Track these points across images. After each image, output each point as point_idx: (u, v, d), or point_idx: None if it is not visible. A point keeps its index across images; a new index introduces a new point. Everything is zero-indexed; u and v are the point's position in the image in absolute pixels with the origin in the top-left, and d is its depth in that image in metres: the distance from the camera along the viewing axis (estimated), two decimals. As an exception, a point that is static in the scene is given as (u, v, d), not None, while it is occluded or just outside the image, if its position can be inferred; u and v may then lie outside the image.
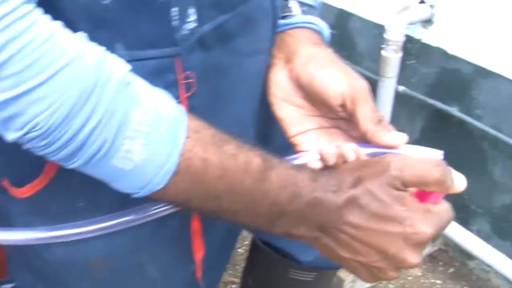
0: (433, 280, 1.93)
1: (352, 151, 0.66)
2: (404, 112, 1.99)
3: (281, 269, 1.17)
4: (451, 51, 1.76)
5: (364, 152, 0.67)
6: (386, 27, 1.73)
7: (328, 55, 0.75)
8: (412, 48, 1.87)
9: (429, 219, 0.60)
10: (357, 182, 0.60)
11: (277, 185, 0.60)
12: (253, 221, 0.63)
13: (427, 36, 1.81)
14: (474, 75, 1.71)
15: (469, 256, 1.91)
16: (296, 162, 0.69)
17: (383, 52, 1.76)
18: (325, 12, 2.15)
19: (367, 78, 1.97)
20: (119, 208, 0.68)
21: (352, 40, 2.12)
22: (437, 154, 0.69)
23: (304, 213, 0.60)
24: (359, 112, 0.68)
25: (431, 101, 1.84)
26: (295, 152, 0.73)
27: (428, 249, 2.00)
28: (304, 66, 0.73)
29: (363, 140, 0.69)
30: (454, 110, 1.79)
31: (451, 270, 1.98)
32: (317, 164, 0.68)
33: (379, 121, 0.68)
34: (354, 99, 0.69)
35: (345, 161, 0.67)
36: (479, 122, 1.72)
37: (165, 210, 0.68)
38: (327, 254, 0.64)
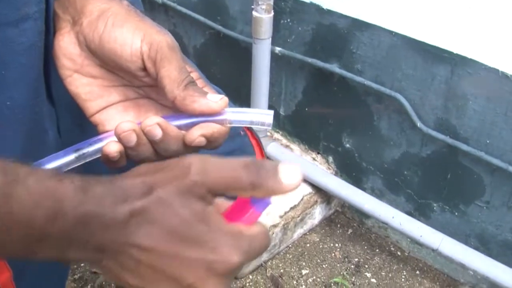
0: (332, 244, 1.90)
1: (157, 125, 0.56)
2: (284, 74, 1.94)
3: None
4: (325, 5, 1.70)
5: (174, 123, 0.58)
6: (255, -14, 1.66)
7: (122, 9, 0.62)
8: (285, 6, 1.81)
9: (238, 244, 0.49)
10: (147, 191, 0.48)
11: (28, 203, 0.46)
12: (7, 251, 0.50)
13: (300, -7, 1.75)
14: (352, 28, 1.67)
15: (365, 215, 1.89)
16: (91, 147, 0.58)
17: (254, 13, 1.68)
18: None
19: (243, 42, 1.92)
20: None
21: (224, 4, 2.03)
22: (267, 116, 0.60)
23: (73, 233, 0.47)
24: (163, 74, 0.58)
25: (310, 60, 1.79)
26: (98, 133, 0.62)
27: (324, 213, 1.96)
28: (92, 26, 0.60)
29: (176, 109, 0.59)
30: (334, 67, 1.74)
31: (350, 231, 1.96)
32: (115, 147, 0.57)
33: (191, 83, 0.58)
34: (156, 59, 0.58)
35: (152, 140, 0.57)
36: (361, 77, 1.69)
37: None
38: (113, 279, 0.51)
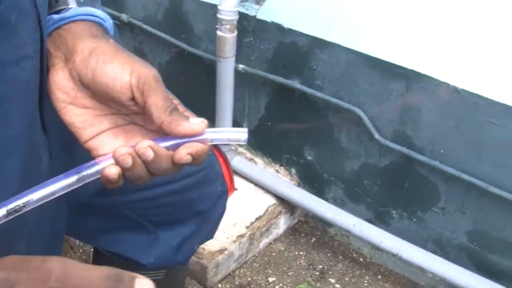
0: (296, 252, 1.94)
1: (149, 147, 0.62)
2: (247, 90, 1.98)
3: None
4: (286, 25, 1.75)
5: (163, 145, 0.64)
6: (218, 7, 1.69)
7: (110, 47, 0.68)
8: (248, 26, 1.85)
9: None
10: None
11: None
12: None
13: (261, 12, 1.80)
14: (312, 46, 1.72)
15: (328, 224, 1.94)
16: (90, 170, 0.64)
17: (218, 33, 1.72)
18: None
19: (208, 60, 1.96)
20: None
21: (188, 23, 2.07)
22: (242, 134, 0.66)
23: None
24: (150, 104, 0.64)
25: (272, 76, 1.84)
26: (92, 158, 0.67)
27: (288, 223, 2.01)
28: (85, 63, 0.66)
29: (162, 133, 0.65)
30: (296, 83, 1.80)
31: (313, 239, 2.00)
32: (115, 170, 0.63)
33: (174, 109, 0.64)
34: (143, 90, 0.64)
35: (145, 161, 0.63)
36: (321, 93, 1.74)
37: None
38: None
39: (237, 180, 1.99)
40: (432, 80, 1.51)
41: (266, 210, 1.90)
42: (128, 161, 0.62)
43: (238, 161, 1.99)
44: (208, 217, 1.08)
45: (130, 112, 0.69)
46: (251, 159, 2.07)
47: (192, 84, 2.20)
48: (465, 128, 1.51)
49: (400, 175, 1.70)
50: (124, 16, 2.28)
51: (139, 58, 0.68)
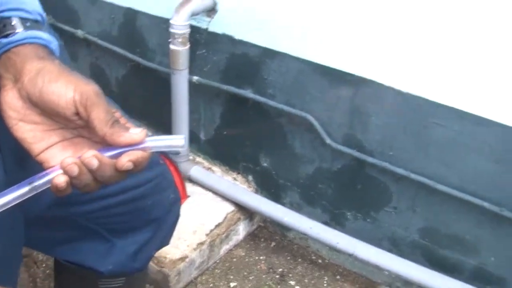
0: (257, 257, 1.97)
1: (94, 157, 0.68)
2: (202, 101, 2.01)
3: (89, 282, 1.15)
4: (237, 36, 1.79)
5: (107, 154, 0.69)
6: (170, 21, 1.72)
7: (55, 67, 0.73)
8: (200, 38, 1.88)
9: None
10: None
11: None
12: None
13: (213, 25, 1.83)
14: (262, 56, 1.76)
15: (286, 228, 1.97)
16: (42, 180, 0.69)
17: (171, 46, 1.75)
18: (113, 12, 2.11)
19: (162, 73, 1.97)
20: None
21: (142, 37, 2.09)
22: (179, 140, 0.72)
23: None
24: (93, 117, 0.69)
25: (225, 87, 1.87)
26: (44, 169, 0.72)
27: (248, 228, 2.03)
28: (32, 83, 0.71)
29: (106, 143, 0.70)
30: (248, 93, 1.83)
31: (273, 244, 2.04)
32: (63, 178, 0.68)
33: (115, 121, 0.70)
34: (86, 105, 0.69)
35: (91, 169, 0.68)
36: (273, 101, 1.78)
37: None
38: None
39: (196, 189, 2.01)
40: (378, 85, 1.56)
41: (225, 217, 1.93)
42: (75, 170, 0.67)
43: (196, 171, 2.01)
44: (162, 224, 1.11)
45: (77, 125, 0.73)
46: (209, 168, 2.10)
47: (149, 97, 2.22)
48: (412, 130, 1.56)
49: (352, 178, 1.75)
50: (80, 32, 2.29)
51: (82, 76, 0.73)
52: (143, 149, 0.70)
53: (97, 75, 2.38)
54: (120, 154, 0.69)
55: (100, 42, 2.23)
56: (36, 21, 0.79)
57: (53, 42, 0.79)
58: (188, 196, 1.42)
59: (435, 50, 1.43)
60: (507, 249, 1.54)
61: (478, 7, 1.33)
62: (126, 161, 0.69)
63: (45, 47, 0.77)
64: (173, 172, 1.11)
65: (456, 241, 1.62)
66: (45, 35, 0.77)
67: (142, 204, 1.04)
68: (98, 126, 0.69)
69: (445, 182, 1.56)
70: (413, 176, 1.59)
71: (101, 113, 0.69)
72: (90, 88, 0.70)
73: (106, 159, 0.69)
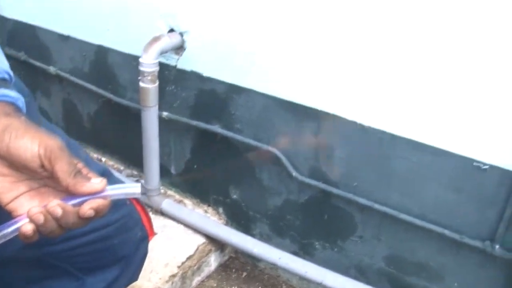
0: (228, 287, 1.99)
1: (58, 206, 0.73)
2: (173, 135, 2.04)
3: None
4: (205, 73, 1.83)
5: (70, 203, 0.74)
6: (140, 60, 1.75)
7: (21, 123, 0.78)
8: (169, 75, 1.92)
9: None
10: None
11: None
12: None
13: (181, 62, 1.87)
14: (229, 92, 1.80)
15: (257, 258, 1.99)
16: (10, 228, 0.73)
17: (141, 84, 1.78)
18: (84, 49, 2.13)
19: (133, 109, 1.99)
20: None
21: (113, 74, 2.12)
22: (136, 188, 0.78)
23: None
24: (56, 169, 0.74)
25: (194, 122, 1.90)
26: (13, 218, 0.76)
27: (219, 260, 2.05)
28: (0, 139, 0.75)
29: (70, 192, 0.75)
30: (217, 128, 1.86)
31: (244, 274, 2.05)
32: (30, 227, 0.73)
33: (78, 172, 0.75)
34: (50, 158, 0.74)
35: (55, 217, 0.73)
36: (240, 135, 1.81)
37: None
38: None
39: (167, 222, 2.03)
40: (340, 119, 1.60)
41: (197, 249, 1.95)
42: (41, 218, 0.72)
43: (167, 204, 2.03)
44: (130, 261, 1.15)
45: (43, 176, 0.77)
46: (180, 201, 2.12)
47: (121, 132, 2.24)
48: (374, 162, 1.60)
49: (319, 209, 1.78)
50: (52, 69, 2.31)
51: (46, 130, 0.78)
52: (104, 197, 0.75)
53: (69, 111, 2.40)
54: (82, 202, 0.74)
55: (72, 78, 2.26)
56: (3, 80, 0.84)
57: (20, 99, 0.84)
58: (156, 234, 1.47)
59: (393, 85, 1.47)
60: (469, 274, 1.58)
61: (433, 45, 1.38)
62: (87, 209, 0.74)
63: (12, 104, 0.82)
64: (140, 211, 1.15)
65: (421, 268, 1.66)
66: (12, 93, 0.82)
67: (110, 243, 1.07)
68: (61, 177, 0.73)
69: (407, 211, 1.60)
70: (377, 206, 1.63)
71: (64, 165, 0.74)
72: (54, 143, 0.75)
73: (70, 208, 0.73)
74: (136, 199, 1.15)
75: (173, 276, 1.84)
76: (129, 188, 0.78)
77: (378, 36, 1.46)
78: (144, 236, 1.17)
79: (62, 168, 0.74)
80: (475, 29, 1.31)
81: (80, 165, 0.77)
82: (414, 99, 1.46)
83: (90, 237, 1.03)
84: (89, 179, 0.75)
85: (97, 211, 0.75)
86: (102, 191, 0.75)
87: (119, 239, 1.09)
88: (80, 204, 0.75)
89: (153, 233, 1.21)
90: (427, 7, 1.36)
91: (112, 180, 1.08)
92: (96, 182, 0.75)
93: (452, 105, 1.41)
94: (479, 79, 1.35)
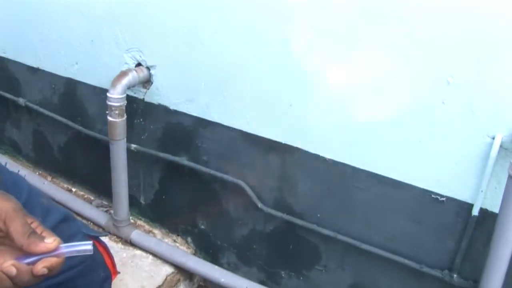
0: (197, 317, 1.98)
1: (12, 266, 0.74)
2: (141, 167, 2.04)
3: None
4: (172, 106, 1.84)
5: (25, 262, 0.76)
6: (107, 94, 1.75)
7: None
8: (138, 108, 1.92)
9: None
10: None
11: None
12: None
13: (148, 95, 1.87)
14: (196, 125, 1.81)
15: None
16: None
17: (108, 118, 1.78)
18: (53, 81, 2.13)
19: (103, 141, 1.99)
20: None
21: (82, 106, 2.11)
22: (88, 246, 0.80)
23: None
24: (11, 231, 0.76)
25: (162, 154, 1.91)
26: None
27: (188, 289, 2.05)
28: None
29: (25, 251, 0.77)
30: (184, 160, 1.87)
31: (212, 303, 2.05)
32: None
33: (32, 233, 0.77)
34: (5, 220, 0.76)
35: (10, 276, 0.74)
36: (207, 168, 1.82)
37: None
38: None
39: (136, 253, 2.02)
40: (303, 152, 1.62)
41: (165, 279, 1.94)
42: None
43: (136, 235, 2.02)
44: None
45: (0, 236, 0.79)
46: (149, 231, 2.11)
47: (90, 163, 2.24)
48: (336, 193, 1.62)
49: (284, 239, 1.79)
50: (21, 100, 2.30)
51: (3, 192, 0.80)
52: (57, 255, 0.77)
53: (39, 142, 2.39)
54: (37, 260, 0.76)
55: (41, 110, 2.25)
56: None
57: None
58: (119, 272, 1.49)
59: (354, 120, 1.50)
60: (429, 303, 1.60)
61: (382, 80, 1.41)
62: (41, 267, 0.76)
63: None
64: (102, 253, 1.16)
65: (384, 297, 1.67)
66: None
67: (73, 285, 1.08)
68: (16, 238, 0.75)
69: (369, 241, 1.61)
70: (340, 236, 1.64)
71: (19, 226, 0.76)
72: (9, 205, 0.77)
73: (24, 267, 0.75)
74: (97, 240, 1.16)
75: (142, 307, 1.83)
76: (82, 246, 0.80)
77: (337, 74, 1.48)
78: (107, 276, 1.18)
79: (17, 229, 0.75)
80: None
81: (35, 224, 0.79)
82: (374, 133, 1.48)
83: (53, 280, 1.04)
84: (42, 238, 0.77)
85: (50, 269, 0.77)
86: (55, 249, 0.77)
87: (82, 281, 1.10)
88: (35, 262, 0.76)
89: (116, 272, 1.21)
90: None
91: (74, 224, 1.09)
92: (49, 242, 0.76)
93: (411, 140, 1.43)
94: (437, 118, 1.38)
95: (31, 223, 0.79)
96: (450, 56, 1.30)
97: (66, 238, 1.05)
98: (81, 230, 1.10)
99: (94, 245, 1.12)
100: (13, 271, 0.74)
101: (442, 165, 1.41)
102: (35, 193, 1.05)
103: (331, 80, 1.49)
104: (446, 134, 1.38)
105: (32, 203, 1.01)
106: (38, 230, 0.79)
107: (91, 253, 0.80)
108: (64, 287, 1.06)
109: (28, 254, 0.77)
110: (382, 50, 1.38)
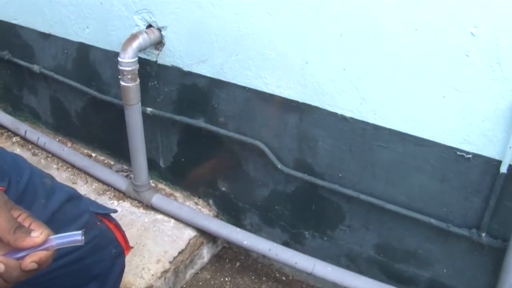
0: (222, 279, 1.95)
1: (0, 262, 0.71)
2: (159, 130, 1.99)
3: None
4: (185, 68, 1.77)
5: (14, 257, 0.73)
6: (118, 59, 1.69)
7: None
8: (151, 71, 1.86)
9: None
10: None
11: None
12: None
13: (161, 57, 1.81)
14: (211, 86, 1.74)
15: (248, 250, 1.95)
16: None
17: (121, 83, 1.72)
18: (66, 47, 2.08)
19: (118, 105, 1.94)
20: None
21: (96, 71, 2.06)
22: (78, 236, 0.75)
23: None
24: None
25: (178, 117, 1.85)
26: None
27: (212, 251, 2.02)
28: None
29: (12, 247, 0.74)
30: (200, 122, 1.81)
31: (238, 264, 2.02)
32: None
33: (18, 227, 0.73)
34: None
35: None
36: (224, 129, 1.76)
37: None
38: None
39: (158, 217, 1.99)
40: (321, 111, 1.55)
41: (188, 243, 1.91)
42: None
43: (157, 199, 1.99)
44: (106, 278, 1.13)
45: None
46: (170, 195, 2.08)
47: (108, 128, 2.20)
48: (358, 152, 1.55)
49: (306, 199, 1.74)
50: (36, 67, 2.25)
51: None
52: (47, 249, 0.74)
53: (57, 108, 2.36)
54: (26, 254, 0.73)
55: (56, 76, 2.20)
56: None
57: None
58: (132, 247, 1.46)
59: (374, 75, 1.42)
60: (457, 261, 1.54)
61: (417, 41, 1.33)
62: (29, 262, 0.72)
63: None
64: (113, 229, 1.12)
65: (410, 256, 1.62)
66: None
67: (83, 263, 1.06)
68: (1, 235, 0.72)
69: (393, 201, 1.55)
70: (362, 196, 1.58)
71: (3, 222, 0.72)
72: None
73: (12, 262, 0.72)
74: (107, 218, 1.12)
75: (166, 272, 1.81)
76: (72, 236, 0.76)
77: (358, 32, 1.40)
78: (120, 252, 1.14)
79: (1, 225, 0.72)
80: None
81: (23, 216, 0.75)
82: (396, 89, 1.40)
83: (61, 261, 1.00)
84: (29, 232, 0.73)
85: (39, 263, 0.73)
86: (43, 243, 0.73)
87: (92, 259, 1.06)
88: (24, 257, 0.73)
89: (129, 248, 1.18)
90: None
91: (81, 203, 1.05)
92: (36, 236, 0.73)
93: (435, 95, 1.35)
94: (461, 72, 1.29)
95: (19, 215, 0.75)
96: (473, 4, 1.20)
97: (73, 218, 1.01)
98: (88, 208, 1.05)
99: (104, 222, 1.08)
100: (1, 267, 0.71)
101: (467, 121, 1.33)
102: (37, 174, 1.00)
103: (351, 42, 1.41)
104: (471, 89, 1.29)
105: (34, 184, 0.96)
106: (26, 223, 0.75)
107: (82, 243, 0.75)
108: (73, 267, 1.03)
109: (16, 250, 0.73)
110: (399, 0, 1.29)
